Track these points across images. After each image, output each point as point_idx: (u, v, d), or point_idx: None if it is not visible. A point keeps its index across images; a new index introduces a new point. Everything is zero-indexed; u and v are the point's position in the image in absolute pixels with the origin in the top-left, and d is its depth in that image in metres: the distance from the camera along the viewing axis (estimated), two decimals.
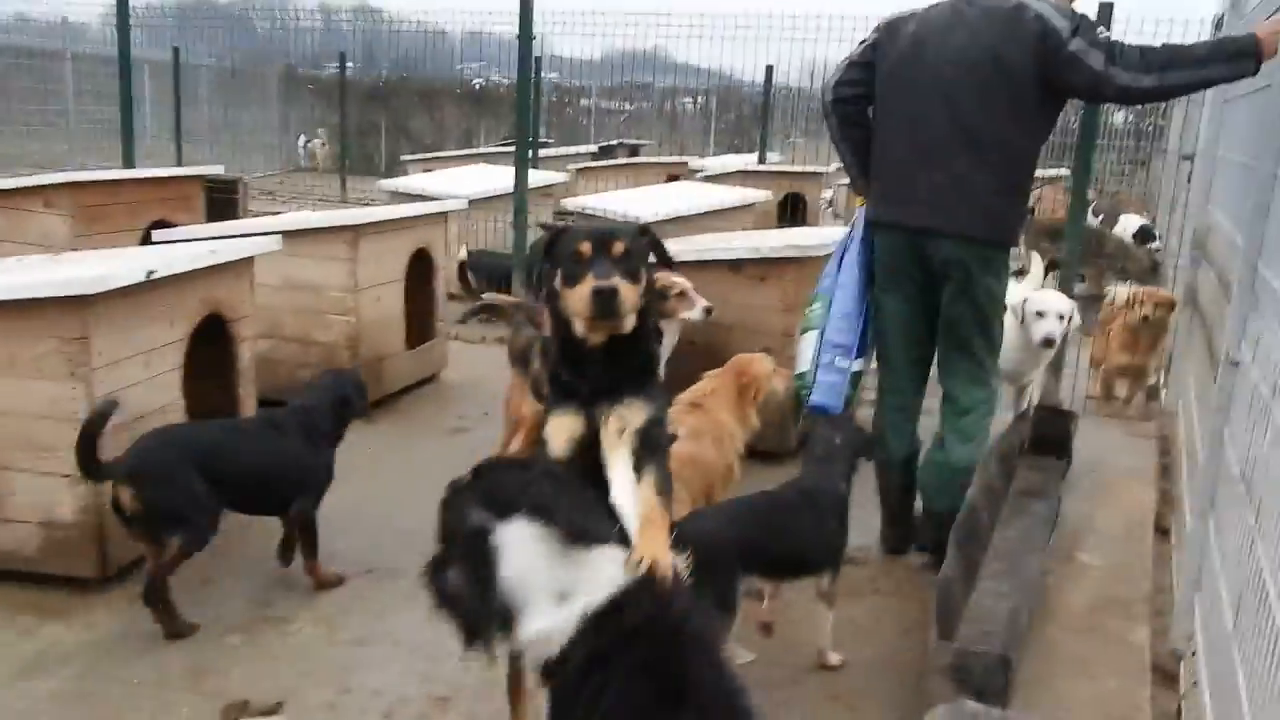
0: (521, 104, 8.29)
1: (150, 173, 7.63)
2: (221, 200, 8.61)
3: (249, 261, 4.57)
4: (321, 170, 21.95)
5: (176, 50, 17.96)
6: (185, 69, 18.51)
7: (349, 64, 20.54)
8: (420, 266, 6.39)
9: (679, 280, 4.86)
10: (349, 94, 20.49)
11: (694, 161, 14.15)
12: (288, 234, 5.60)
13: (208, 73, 22.23)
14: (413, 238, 6.26)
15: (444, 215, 6.63)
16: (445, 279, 6.67)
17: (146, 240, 6.33)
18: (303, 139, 23.74)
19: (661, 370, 4.79)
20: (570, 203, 8.19)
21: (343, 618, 3.73)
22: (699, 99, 24.31)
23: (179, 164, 14.97)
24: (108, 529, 3.74)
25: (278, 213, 11.24)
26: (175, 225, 7.03)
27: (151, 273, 3.76)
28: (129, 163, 9.22)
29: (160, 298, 3.97)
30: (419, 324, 6.45)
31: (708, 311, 4.87)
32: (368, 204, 11.65)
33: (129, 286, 3.71)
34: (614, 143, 17.84)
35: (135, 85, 10.43)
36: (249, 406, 4.68)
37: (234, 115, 22.60)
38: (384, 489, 4.91)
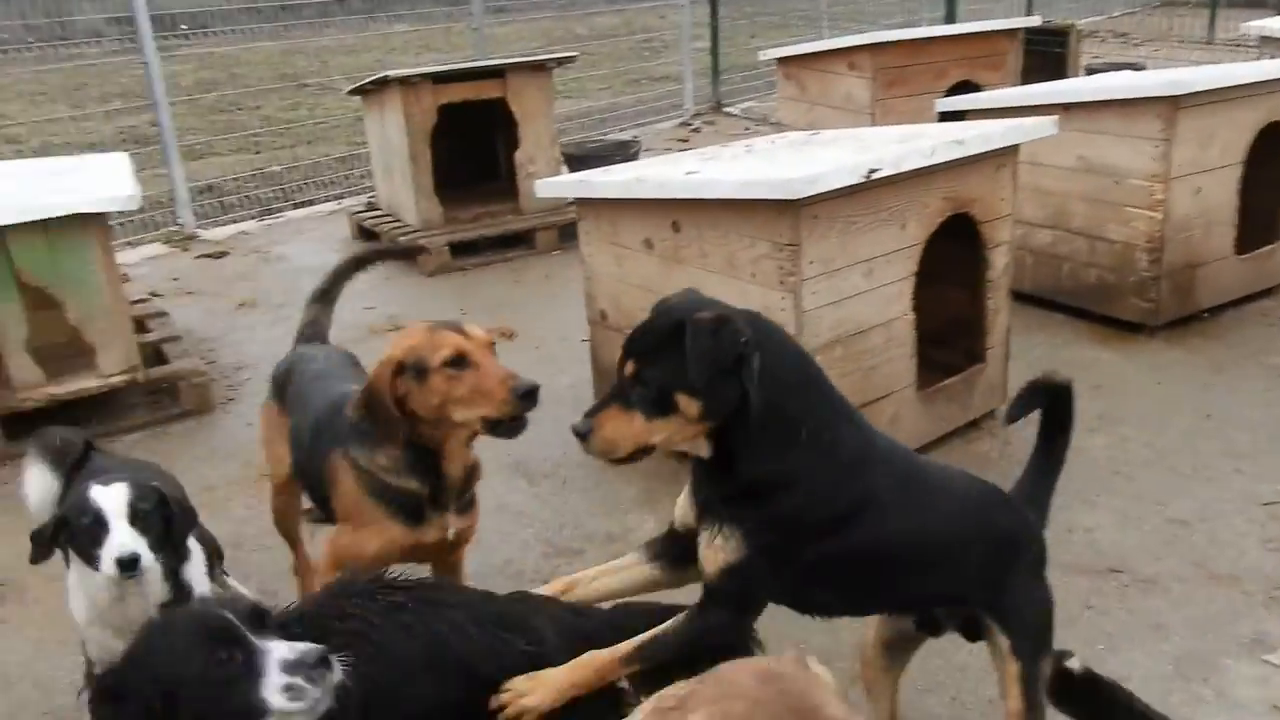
0: None
1: (958, 29, 6.96)
2: (1047, 54, 7.65)
3: (1012, 151, 3.71)
4: (1193, 4, 19.02)
5: None
6: None
7: None
8: (1270, 147, 4.82)
9: None
10: None
11: None
12: (1086, 106, 4.58)
13: None
14: (1262, 109, 4.70)
15: None
16: None
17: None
18: None
19: None
20: None
21: None
22: None
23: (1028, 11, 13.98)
24: None
25: (1127, 62, 9.80)
26: (980, 87, 6.38)
27: (873, 172, 3.16)
28: (950, 17, 8.65)
29: (888, 198, 3.37)
30: (1258, 222, 4.94)
31: None
32: (1236, 49, 9.54)
33: (848, 187, 3.17)
34: None
35: None
36: (999, 321, 3.92)
37: None
38: (1157, 448, 3.84)
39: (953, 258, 3.79)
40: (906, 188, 3.40)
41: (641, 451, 1.89)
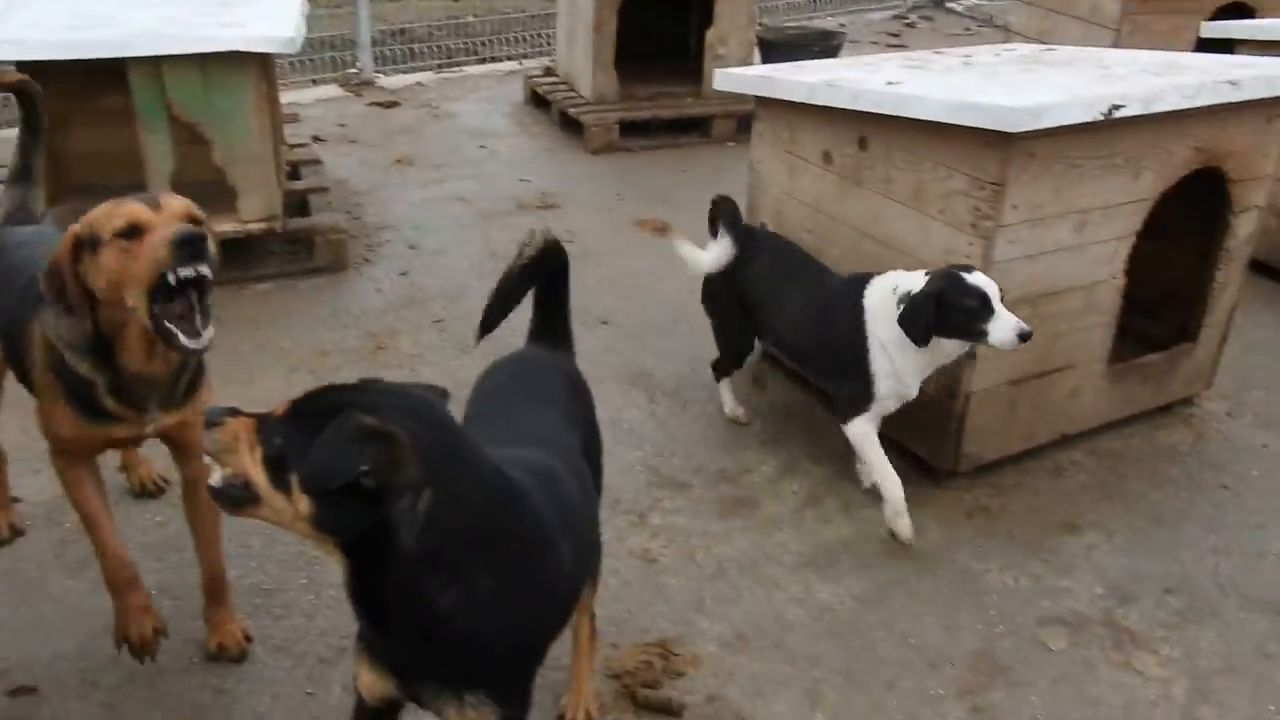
0: None
1: None
2: None
3: None
4: None
5: None
6: None
7: None
8: None
9: None
10: None
11: None
12: None
13: None
14: None
15: None
16: None
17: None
18: None
19: None
20: None
21: None
22: None
23: None
24: (971, 419, 2.95)
25: None
26: (1256, 12, 5.49)
27: (1115, 109, 2.59)
28: None
29: (1126, 141, 2.79)
30: None
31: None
32: None
33: (1077, 126, 2.62)
34: None
35: None
36: (1225, 297, 3.31)
37: None
38: None
39: (1186, 214, 3.19)
40: (1151, 131, 2.81)
41: (248, 500, 1.50)
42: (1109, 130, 2.71)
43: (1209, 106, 2.80)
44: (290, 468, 1.41)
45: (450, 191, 5.33)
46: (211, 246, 1.93)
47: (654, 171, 5.66)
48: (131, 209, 1.93)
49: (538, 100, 6.60)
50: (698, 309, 4.17)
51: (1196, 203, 3.16)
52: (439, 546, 1.40)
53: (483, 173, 5.59)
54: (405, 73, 7.51)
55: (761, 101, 3.46)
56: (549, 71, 6.78)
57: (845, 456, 3.24)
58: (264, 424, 1.47)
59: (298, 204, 4.71)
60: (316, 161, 5.18)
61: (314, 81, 7.16)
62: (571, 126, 6.11)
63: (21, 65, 4.15)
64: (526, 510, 1.54)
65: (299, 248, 4.51)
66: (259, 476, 1.44)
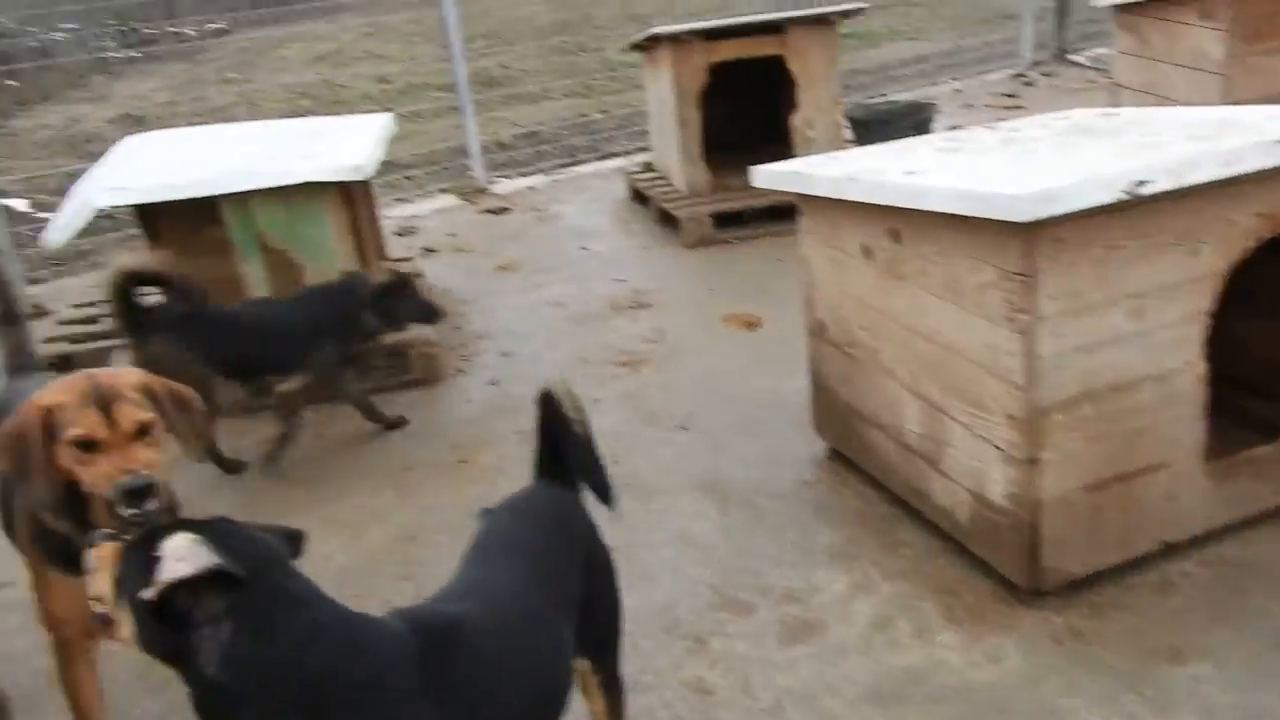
0: None
1: None
2: None
3: None
4: None
5: None
6: None
7: None
8: None
9: None
10: None
11: None
12: None
13: None
14: None
15: None
16: None
17: None
18: None
19: None
20: None
21: None
22: None
23: None
24: (1046, 530, 2.72)
25: None
26: None
27: (1141, 185, 2.39)
28: None
29: (1170, 217, 2.57)
30: None
31: None
32: None
33: (1108, 206, 2.43)
34: None
35: None
36: None
37: None
38: None
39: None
40: (1199, 203, 2.58)
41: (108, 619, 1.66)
42: (1147, 207, 2.51)
43: (1267, 171, 2.55)
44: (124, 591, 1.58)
45: (548, 296, 5.43)
46: (159, 477, 2.07)
47: (748, 263, 5.60)
48: (86, 421, 2.04)
49: (638, 196, 6.69)
50: (781, 405, 4.08)
51: None
52: (244, 679, 1.50)
53: (580, 274, 5.67)
54: (522, 176, 7.76)
55: (803, 195, 3.38)
56: (648, 166, 6.87)
57: (921, 571, 3.05)
58: (125, 548, 1.63)
59: None
60: (417, 275, 5.39)
61: (442, 191, 7.50)
62: (669, 221, 6.15)
63: (135, 207, 4.58)
64: (366, 659, 1.58)
65: (397, 362, 4.68)
66: (109, 595, 1.61)
